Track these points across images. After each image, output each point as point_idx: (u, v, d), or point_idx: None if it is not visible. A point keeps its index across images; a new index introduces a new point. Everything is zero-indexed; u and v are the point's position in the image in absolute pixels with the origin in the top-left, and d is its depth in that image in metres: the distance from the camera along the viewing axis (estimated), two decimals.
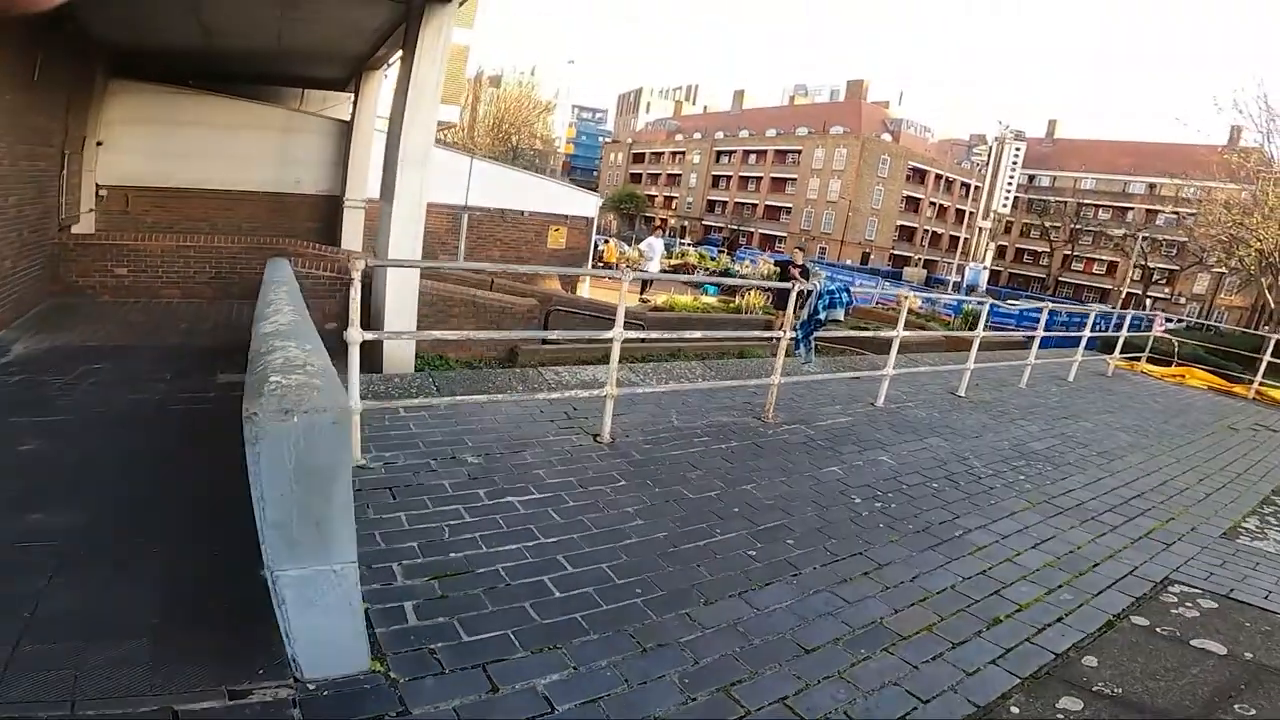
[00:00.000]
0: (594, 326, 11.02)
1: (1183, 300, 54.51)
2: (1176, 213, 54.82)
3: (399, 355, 6.71)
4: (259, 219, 10.75)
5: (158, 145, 10.29)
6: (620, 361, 4.16)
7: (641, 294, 15.75)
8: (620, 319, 3.97)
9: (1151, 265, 49.69)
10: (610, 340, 3.99)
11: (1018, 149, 27.38)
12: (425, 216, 11.51)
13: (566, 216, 13.68)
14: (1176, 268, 51.02)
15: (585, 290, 14.19)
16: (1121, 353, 10.20)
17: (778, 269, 12.31)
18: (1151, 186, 57.95)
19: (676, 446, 4.19)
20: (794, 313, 4.84)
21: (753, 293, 16.03)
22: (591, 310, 11.30)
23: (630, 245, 25.94)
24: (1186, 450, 6.28)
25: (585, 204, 14.11)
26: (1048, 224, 56.27)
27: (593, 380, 5.12)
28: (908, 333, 5.93)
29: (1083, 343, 8.90)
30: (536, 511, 3.15)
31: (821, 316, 4.84)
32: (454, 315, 7.68)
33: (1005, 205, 28.54)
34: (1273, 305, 20.34)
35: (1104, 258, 58.60)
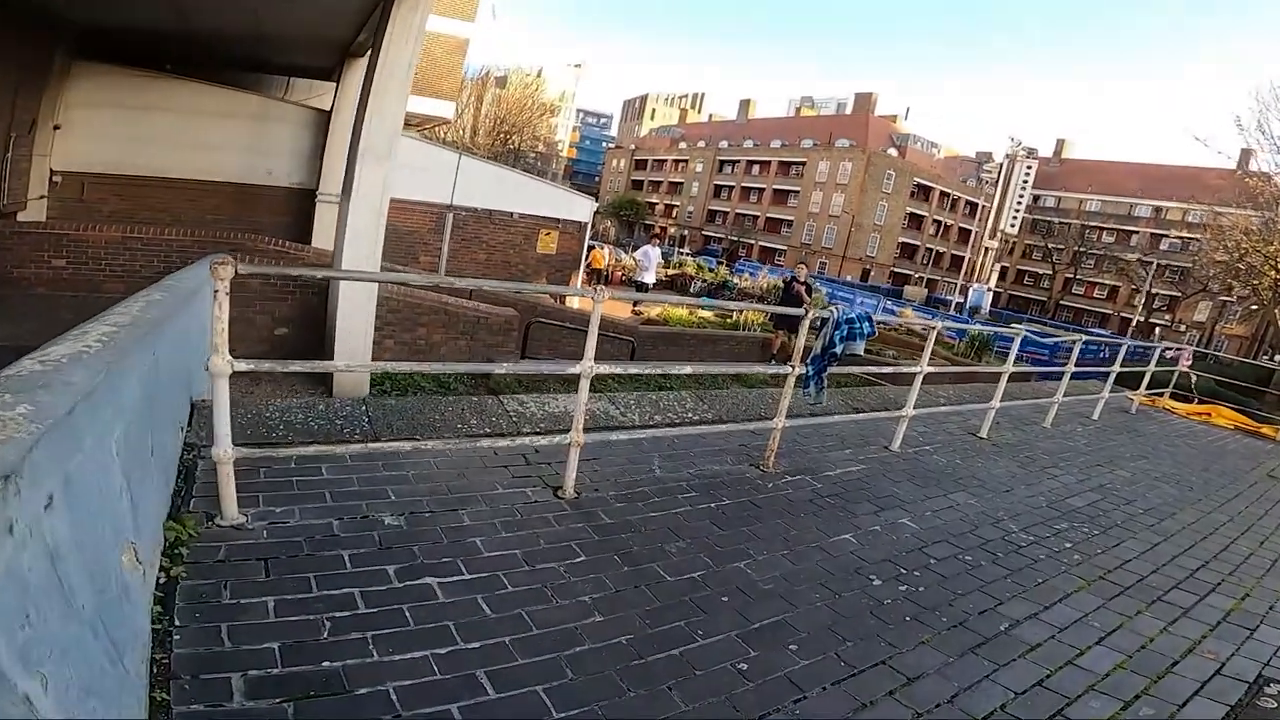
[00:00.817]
0: (579, 341, 10.29)
1: (1183, 328, 54.04)
2: (1183, 237, 54.47)
3: (351, 378, 5.98)
4: (225, 211, 10.04)
5: (120, 131, 9.58)
6: (600, 390, 3.46)
7: (635, 305, 15.05)
8: (590, 350, 3.24)
9: (1155, 291, 49.15)
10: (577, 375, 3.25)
11: (1029, 167, 26.76)
12: (406, 215, 10.78)
13: (559, 220, 12.97)
14: (1179, 294, 50.51)
15: (574, 304, 13.46)
16: (1146, 387, 9.50)
17: (780, 285, 11.56)
18: (1158, 210, 57.55)
19: (656, 505, 3.46)
20: (788, 339, 4.13)
21: (752, 309, 15.32)
22: (577, 323, 10.57)
23: (627, 253, 25.27)
24: (1235, 505, 5.57)
25: (579, 207, 13.40)
26: (1051, 245, 55.79)
27: (564, 414, 4.39)
28: (931, 368, 5.22)
29: (1111, 377, 8.18)
30: (461, 600, 2.41)
31: (838, 350, 4.12)
32: (422, 325, 6.95)
33: (1014, 225, 27.94)
34: None
35: (1105, 282, 58.13)
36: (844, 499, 4.02)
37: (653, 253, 15.02)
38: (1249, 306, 44.52)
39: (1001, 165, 27.37)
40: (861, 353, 4.30)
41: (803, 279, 10.78)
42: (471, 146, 42.33)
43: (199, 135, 9.89)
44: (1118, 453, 6.63)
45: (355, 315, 5.72)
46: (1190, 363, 9.96)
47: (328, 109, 10.27)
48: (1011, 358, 6.23)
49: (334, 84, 10.58)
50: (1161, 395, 10.46)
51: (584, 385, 3.26)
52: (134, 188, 9.55)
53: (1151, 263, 48.49)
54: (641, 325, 12.11)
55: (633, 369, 4.76)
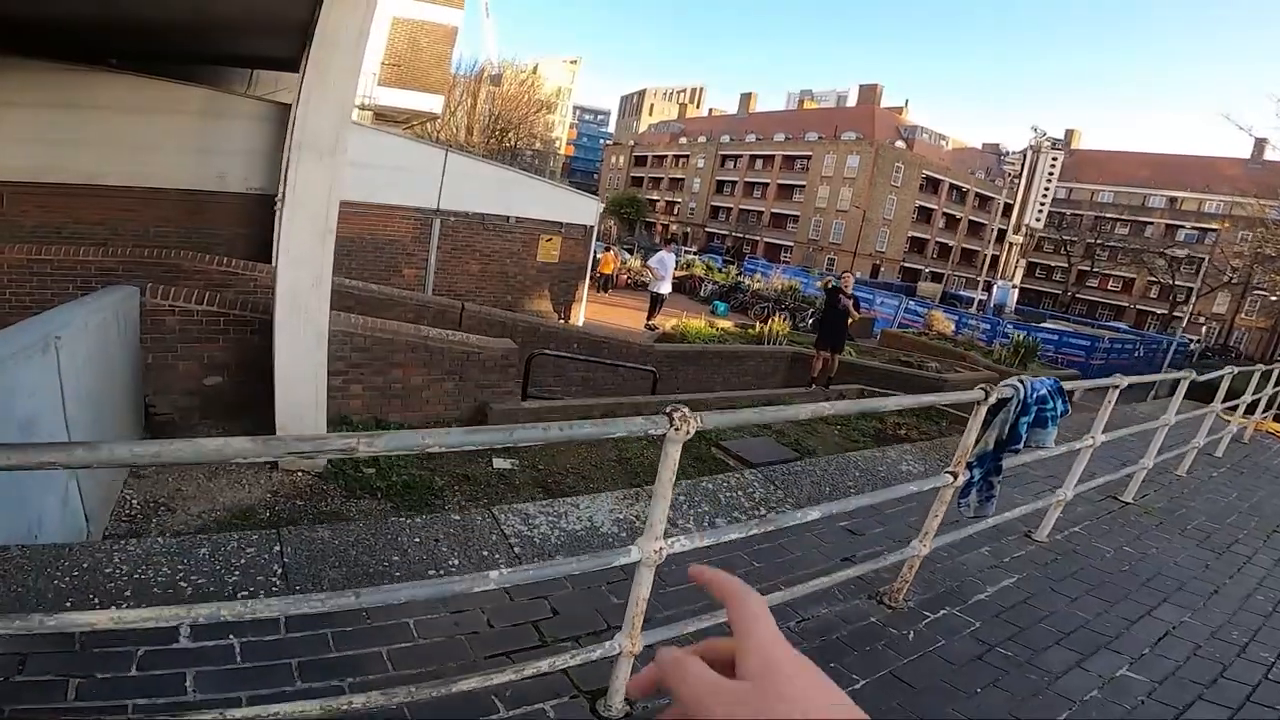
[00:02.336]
0: (590, 374, 8.85)
1: (1202, 320, 52.51)
2: (1199, 228, 52.89)
3: (296, 432, 4.53)
4: (173, 222, 8.58)
5: (44, 133, 8.13)
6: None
7: (649, 319, 13.59)
8: (659, 519, 1.81)
9: (1174, 284, 47.60)
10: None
11: (1054, 159, 25.22)
12: (385, 222, 9.34)
13: (561, 224, 11.50)
14: (1194, 285, 48.95)
15: (581, 315, 12.01)
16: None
17: (823, 293, 10.05)
18: (1172, 201, 55.99)
19: None
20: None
21: (776, 317, 13.86)
22: (587, 351, 9.12)
23: (632, 254, 23.80)
24: None
25: (584, 209, 11.93)
26: (1064, 238, 54.21)
27: (590, 532, 2.96)
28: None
29: (1180, 391, 6.64)
30: None
31: (1021, 441, 2.67)
32: (397, 365, 5.52)
33: (1039, 219, 26.42)
34: None
35: (1120, 274, 56.55)
36: (1021, 642, 2.64)
37: (669, 259, 13.52)
38: (1269, 297, 43.27)
39: (1025, 155, 25.82)
40: (1051, 444, 2.85)
41: (849, 289, 9.30)
42: (466, 146, 40.82)
43: (139, 136, 8.43)
44: None
45: (300, 362, 4.29)
46: None
47: (289, 102, 8.81)
48: (1112, 400, 4.79)
49: (299, 75, 9.12)
50: (1258, 417, 9.04)
51: (644, 579, 1.81)
52: (61, 198, 8.10)
53: (1172, 254, 46.94)
54: (658, 343, 10.66)
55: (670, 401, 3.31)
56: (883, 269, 52.50)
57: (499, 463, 5.37)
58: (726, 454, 6.34)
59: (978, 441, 2.63)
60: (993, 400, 2.50)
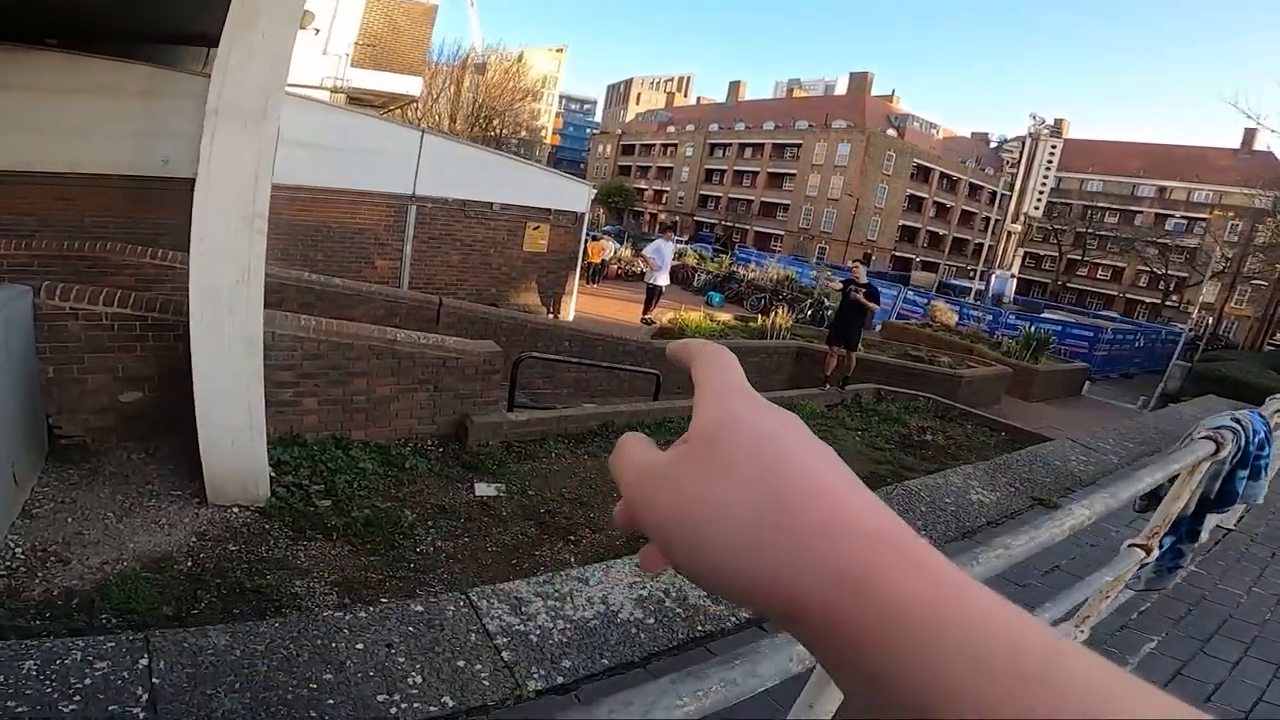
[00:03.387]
0: (584, 374, 8.02)
1: (1190, 308, 52.45)
2: (1189, 217, 52.77)
3: (232, 471, 3.69)
4: (115, 212, 7.65)
5: None
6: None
7: (645, 312, 12.74)
8: None
9: (1167, 273, 47.46)
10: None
11: (1053, 146, 24.60)
12: (356, 210, 8.52)
13: (550, 211, 10.61)
14: (1185, 275, 48.77)
15: (571, 308, 11.15)
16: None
17: (839, 289, 9.27)
18: (1161, 190, 55.83)
19: None
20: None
21: (778, 310, 13.09)
22: (580, 350, 8.29)
23: (623, 243, 22.88)
24: None
25: (574, 195, 11.05)
26: (1055, 227, 53.90)
27: (605, 621, 2.15)
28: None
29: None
30: None
31: (1236, 500, 1.90)
32: (359, 374, 4.67)
33: (1038, 208, 25.82)
34: None
35: (1109, 263, 56.41)
36: None
37: (666, 249, 12.64)
38: (1261, 286, 43.21)
39: (1023, 143, 25.17)
40: (1261, 499, 2.08)
41: (862, 280, 8.51)
42: (449, 134, 39.55)
43: (77, 118, 7.49)
44: None
45: (225, 375, 3.43)
46: None
47: None
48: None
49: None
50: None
51: None
52: None
53: (1165, 243, 46.73)
54: (655, 339, 9.84)
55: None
56: (874, 257, 51.90)
57: (482, 489, 4.55)
58: None
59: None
60: (1227, 453, 1.71)
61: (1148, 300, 51.93)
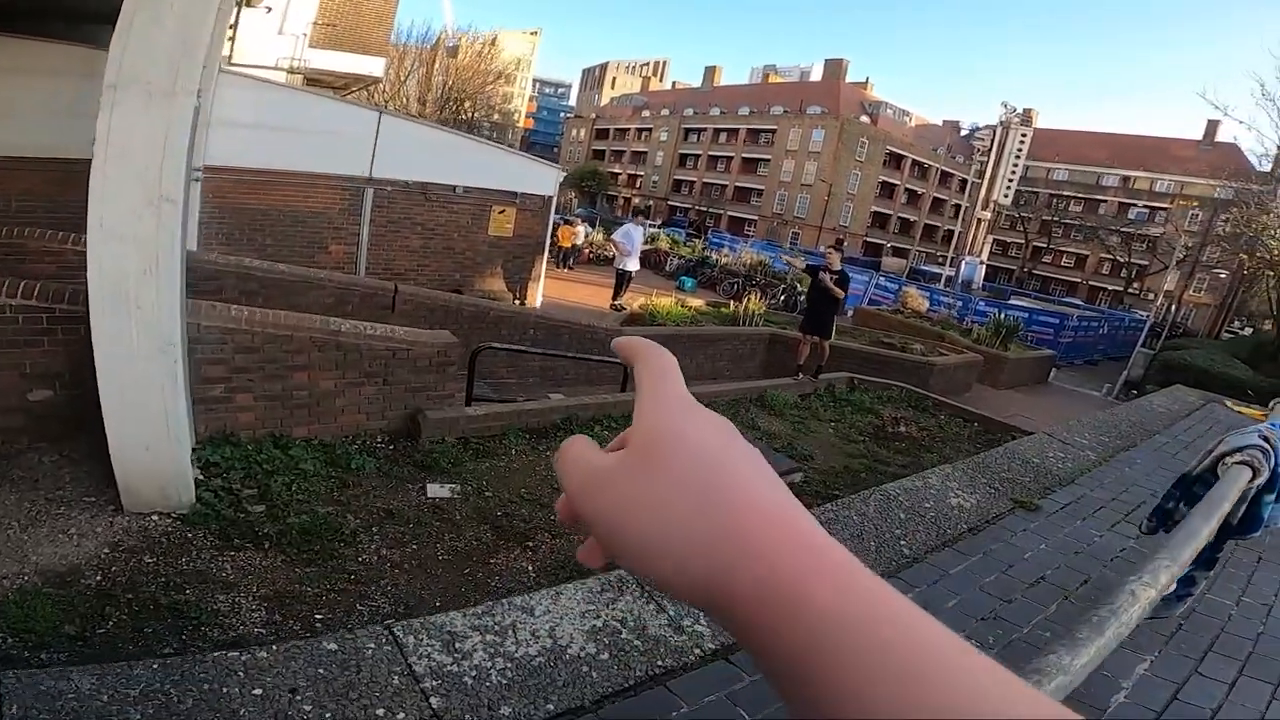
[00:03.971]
0: (551, 362, 7.72)
1: (1152, 296, 53.80)
2: (1151, 206, 53.96)
3: (150, 477, 3.34)
4: (39, 196, 7.13)
5: None
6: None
7: (614, 298, 12.42)
8: None
9: (1130, 261, 48.52)
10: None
11: (1023, 135, 24.79)
12: (309, 194, 8.15)
13: (516, 194, 10.21)
14: (1146, 263, 49.91)
15: (538, 294, 10.80)
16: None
17: (805, 273, 9.09)
18: (1125, 180, 56.95)
19: None
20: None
21: (751, 295, 12.90)
22: (546, 338, 7.99)
23: (595, 227, 22.43)
24: None
25: (542, 178, 10.65)
26: (1021, 214, 54.66)
27: (554, 657, 1.89)
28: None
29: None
30: None
31: (1261, 528, 1.69)
32: (300, 368, 4.31)
33: (1007, 196, 26.06)
34: None
35: (1073, 251, 57.52)
36: None
37: (636, 233, 12.28)
38: (1219, 275, 44.50)
39: (995, 131, 25.30)
40: None
41: (836, 268, 8.31)
42: (421, 117, 38.45)
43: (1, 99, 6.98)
44: None
45: (133, 375, 3.07)
46: None
47: None
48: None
49: None
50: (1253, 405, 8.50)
51: None
52: None
53: (1128, 232, 47.70)
54: (625, 326, 9.57)
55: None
56: (846, 243, 52.16)
57: (434, 490, 4.25)
58: None
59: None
60: (1262, 480, 1.50)
61: (1110, 288, 53.13)
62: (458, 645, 1.82)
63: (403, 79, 40.44)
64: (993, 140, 25.02)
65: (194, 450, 4.04)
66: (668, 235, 28.11)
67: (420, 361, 4.84)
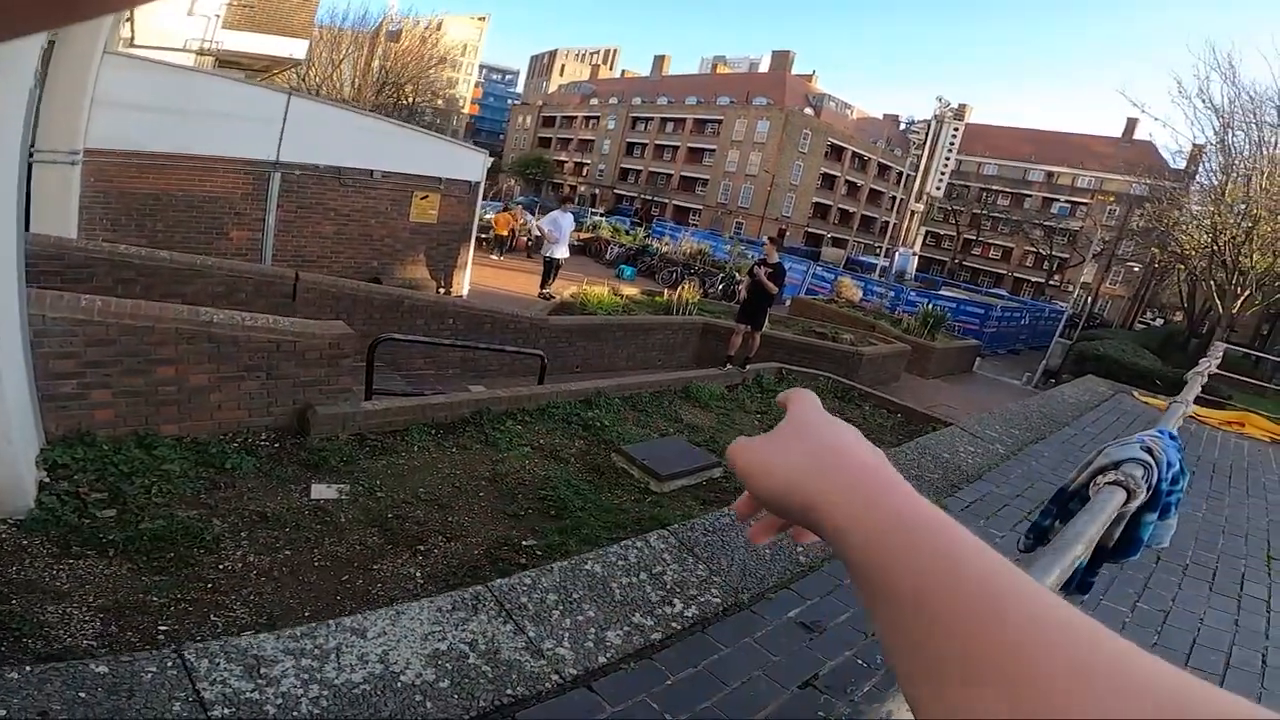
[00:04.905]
0: (473, 354, 7.45)
1: (1071, 288, 56.77)
2: (1073, 201, 56.77)
3: None
4: None
5: None
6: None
7: (543, 286, 12.15)
8: None
9: (1052, 254, 50.94)
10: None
11: (956, 129, 25.59)
12: (206, 178, 7.75)
13: (440, 180, 9.82)
14: (1067, 256, 52.53)
15: (465, 282, 10.45)
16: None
17: (730, 258, 9.03)
18: (1049, 175, 59.70)
19: None
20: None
21: (686, 284, 12.85)
22: (466, 328, 7.70)
23: (535, 216, 21.98)
24: None
25: (468, 164, 10.28)
26: (954, 208, 56.71)
27: (377, 686, 1.71)
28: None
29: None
30: None
31: (1140, 550, 1.59)
32: (165, 361, 3.96)
33: (939, 188, 26.89)
34: (1220, 307, 19.45)
35: (1000, 243, 60.08)
36: None
37: (564, 220, 12.02)
38: (1134, 269, 47.33)
39: (929, 125, 26.02)
40: (1168, 541, 1.81)
41: (773, 260, 8.28)
42: (352, 101, 36.86)
43: None
44: (1255, 522, 4.74)
45: None
46: (1220, 361, 8.31)
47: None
48: None
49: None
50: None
51: None
52: None
53: (1050, 226, 49.99)
54: (552, 316, 9.36)
55: None
56: (788, 233, 52.99)
57: (319, 491, 3.98)
58: (630, 462, 5.22)
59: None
60: (1140, 501, 1.43)
61: (1034, 279, 55.71)
62: (264, 671, 1.62)
63: (337, 62, 38.71)
64: (927, 133, 25.71)
65: (42, 451, 3.67)
66: (608, 224, 27.87)
67: (309, 354, 4.53)
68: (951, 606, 0.28)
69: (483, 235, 17.06)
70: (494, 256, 18.49)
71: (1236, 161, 19.55)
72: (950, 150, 25.70)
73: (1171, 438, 1.69)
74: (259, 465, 4.09)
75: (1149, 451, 1.60)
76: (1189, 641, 2.86)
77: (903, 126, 59.73)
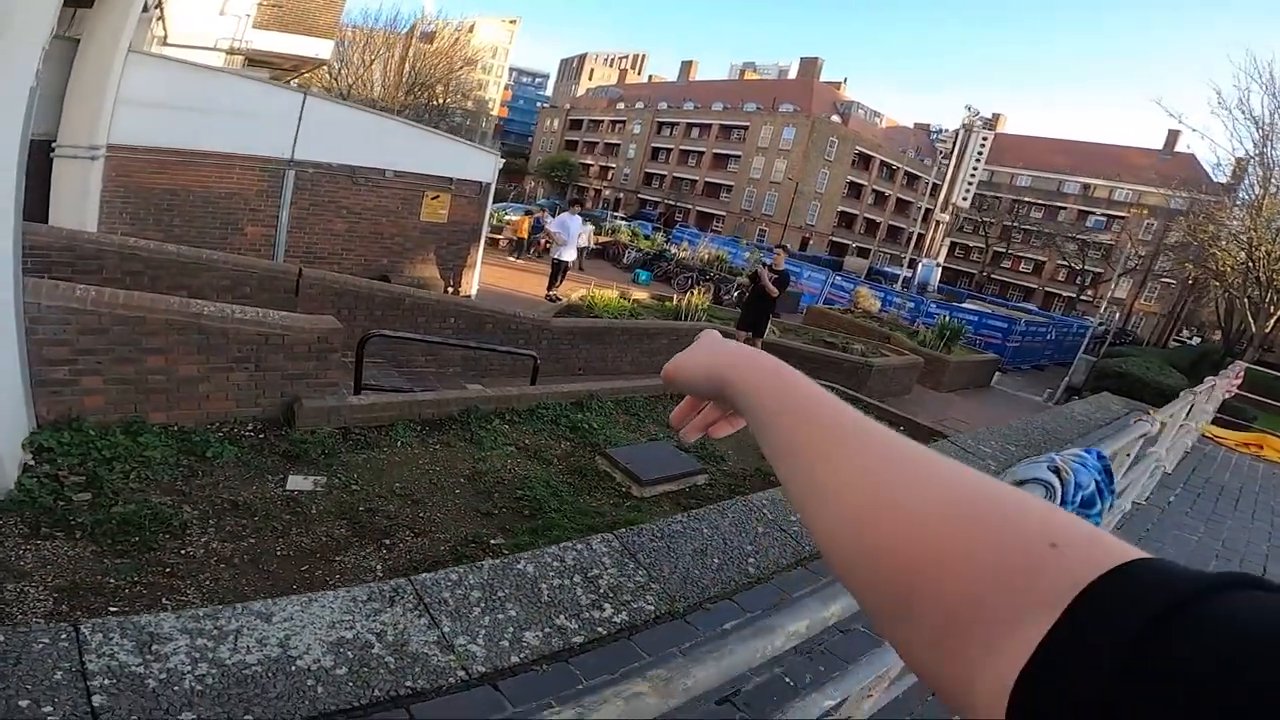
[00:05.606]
0: (475, 354, 7.53)
1: (1104, 304, 55.28)
2: (1109, 215, 55.39)
3: None
4: None
5: None
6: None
7: (550, 288, 12.24)
8: None
9: (1084, 269, 49.77)
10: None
11: (984, 139, 25.17)
12: (223, 174, 8.10)
13: (451, 180, 9.97)
14: (1101, 270, 51.22)
15: (474, 284, 10.56)
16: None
17: (749, 276, 9.03)
18: (1085, 187, 58.36)
19: None
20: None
21: (696, 289, 12.84)
22: (467, 331, 7.79)
23: (548, 218, 22.13)
24: None
25: (479, 164, 10.42)
26: (982, 219, 55.72)
27: (274, 669, 1.73)
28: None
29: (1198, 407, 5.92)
30: None
31: None
32: (156, 351, 4.08)
33: (966, 198, 26.46)
34: (1254, 326, 18.82)
35: (1032, 257, 58.86)
36: None
37: (573, 224, 12.10)
38: (1170, 285, 45.99)
39: (957, 134, 25.64)
40: None
41: (780, 267, 8.23)
42: (384, 102, 37.56)
43: None
44: (1255, 547, 4.58)
45: None
46: (1240, 382, 8.06)
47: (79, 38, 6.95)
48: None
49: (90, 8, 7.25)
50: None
51: None
52: None
53: (1083, 239, 48.85)
54: (555, 319, 9.41)
55: None
56: (812, 242, 52.62)
57: (295, 482, 4.06)
58: (614, 466, 5.23)
59: None
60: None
61: (1064, 294, 54.47)
62: (155, 648, 1.66)
63: (368, 63, 39.50)
64: (954, 143, 25.34)
65: (32, 435, 3.81)
66: (628, 228, 27.96)
67: (297, 348, 4.63)
68: (828, 443, 0.39)
69: (495, 235, 17.19)
70: (512, 258, 18.67)
71: (1276, 174, 18.92)
72: (979, 160, 25.25)
73: (1100, 459, 1.64)
74: (240, 455, 4.18)
75: (1056, 472, 1.55)
76: None
77: (931, 136, 58.98)
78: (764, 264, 8.40)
